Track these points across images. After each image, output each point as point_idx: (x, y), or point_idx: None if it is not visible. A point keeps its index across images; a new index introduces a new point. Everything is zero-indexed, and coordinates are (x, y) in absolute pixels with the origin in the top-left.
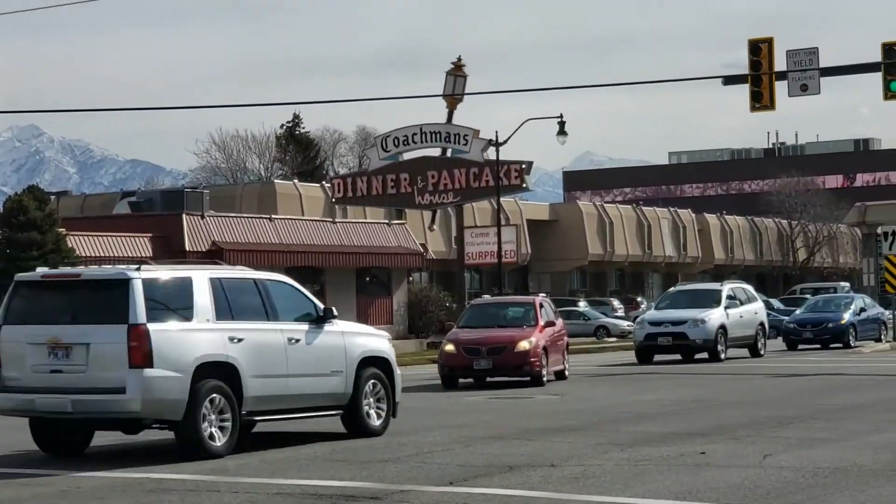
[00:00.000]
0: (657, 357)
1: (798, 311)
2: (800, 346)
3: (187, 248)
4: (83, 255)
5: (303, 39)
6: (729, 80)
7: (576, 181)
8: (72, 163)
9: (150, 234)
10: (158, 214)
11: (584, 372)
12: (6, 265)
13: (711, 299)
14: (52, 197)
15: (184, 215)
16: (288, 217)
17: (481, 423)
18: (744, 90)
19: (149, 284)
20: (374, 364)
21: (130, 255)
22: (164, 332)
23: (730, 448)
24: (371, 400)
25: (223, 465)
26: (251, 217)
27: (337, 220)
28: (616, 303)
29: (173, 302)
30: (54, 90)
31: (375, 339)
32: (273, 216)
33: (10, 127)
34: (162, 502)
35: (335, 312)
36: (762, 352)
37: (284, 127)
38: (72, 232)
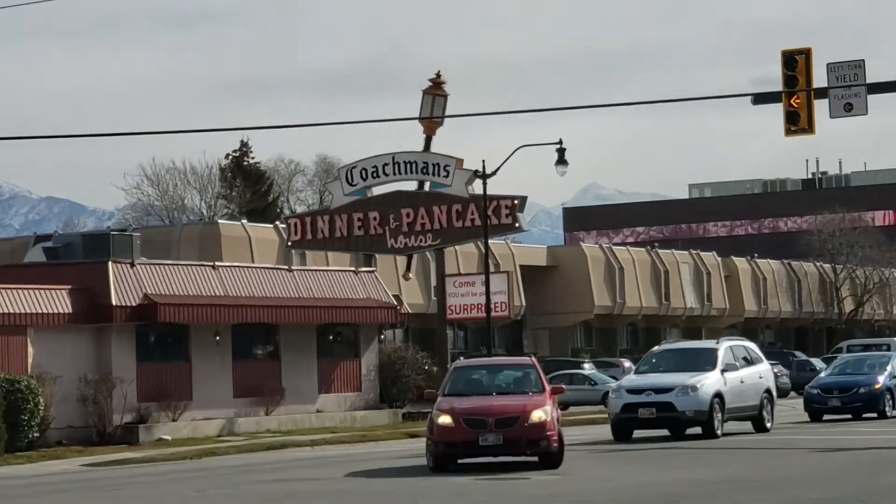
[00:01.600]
0: (639, 433)
1: (822, 374)
2: (825, 417)
3: (114, 303)
4: None
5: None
6: (760, 98)
7: (579, 219)
8: None
9: (69, 287)
10: (79, 262)
11: (590, 447)
12: None
13: (705, 361)
14: None
15: (110, 263)
16: (235, 265)
17: None
18: (777, 110)
19: None
20: None
21: (46, 310)
22: None
23: None
24: None
25: None
26: (191, 265)
27: (294, 267)
28: (627, 364)
29: None
30: None
31: None
32: (217, 263)
33: None
34: None
35: None
36: (769, 425)
37: (230, 157)
38: None
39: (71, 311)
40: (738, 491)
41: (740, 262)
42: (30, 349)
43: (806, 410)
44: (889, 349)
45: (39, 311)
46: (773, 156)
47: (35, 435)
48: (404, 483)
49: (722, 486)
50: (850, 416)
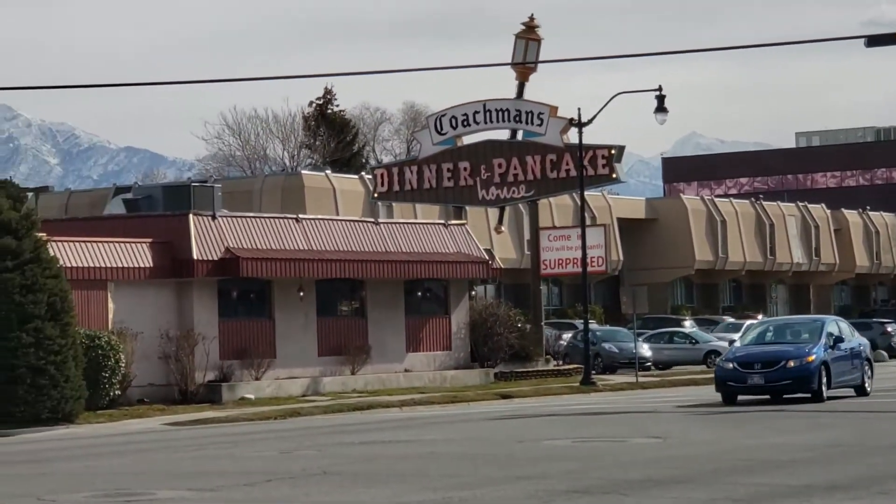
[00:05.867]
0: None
1: (737, 345)
2: (740, 398)
3: (195, 257)
4: (68, 265)
5: None
6: (873, 40)
7: (679, 170)
8: (53, 152)
9: (149, 240)
10: (160, 215)
11: (690, 408)
12: None
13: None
14: (30, 194)
15: (191, 216)
16: (319, 217)
17: (563, 474)
18: (892, 53)
19: None
20: None
21: (126, 264)
22: None
23: None
24: None
25: None
26: (273, 217)
27: (380, 220)
28: (730, 321)
29: None
30: (31, 63)
31: None
32: (300, 216)
33: None
34: None
35: None
36: (869, 390)
37: (314, 105)
38: (54, 237)
39: (152, 266)
40: (845, 456)
41: (851, 215)
42: (110, 304)
43: (718, 390)
44: None
45: (120, 266)
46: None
47: (116, 393)
48: (499, 445)
49: (823, 450)
50: (768, 395)
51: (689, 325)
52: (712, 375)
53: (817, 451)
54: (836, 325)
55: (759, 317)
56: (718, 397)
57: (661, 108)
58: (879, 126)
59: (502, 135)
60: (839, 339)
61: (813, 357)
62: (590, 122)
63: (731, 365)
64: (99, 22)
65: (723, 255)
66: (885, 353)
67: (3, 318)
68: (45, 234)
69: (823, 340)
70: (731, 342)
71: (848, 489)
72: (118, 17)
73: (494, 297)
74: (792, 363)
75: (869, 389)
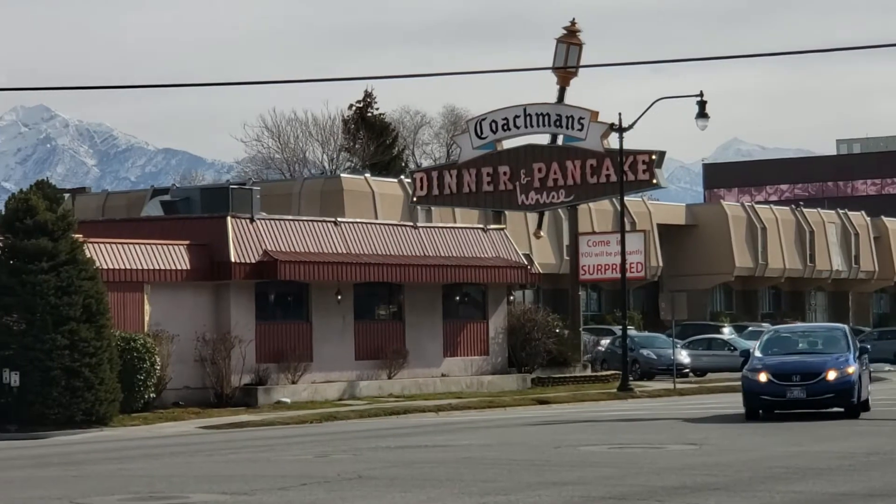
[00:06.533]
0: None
1: (757, 354)
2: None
3: (232, 260)
4: (105, 266)
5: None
6: None
7: (720, 176)
8: (91, 153)
9: (187, 242)
10: (198, 217)
11: (727, 415)
12: (9, 278)
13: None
14: (67, 195)
15: (229, 218)
16: (358, 221)
17: (599, 480)
18: None
19: None
20: None
21: (163, 267)
22: None
23: None
24: None
25: None
26: (312, 220)
27: (419, 224)
28: (769, 327)
29: None
30: (69, 63)
31: None
32: (339, 219)
33: (13, 108)
34: None
35: None
36: (870, 404)
37: (354, 108)
38: (90, 239)
39: (189, 268)
40: (884, 464)
41: (891, 223)
42: (147, 307)
43: (746, 404)
44: None
45: (157, 268)
46: None
47: (151, 395)
48: (535, 450)
49: (862, 458)
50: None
51: (728, 332)
52: None
53: (856, 459)
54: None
55: (798, 324)
56: None
57: (702, 114)
58: None
59: (542, 139)
60: (864, 350)
61: (853, 369)
62: (630, 127)
63: (763, 377)
64: (138, 22)
65: (762, 262)
66: None
67: (39, 320)
68: (81, 236)
69: (854, 350)
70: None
71: (888, 496)
72: (158, 18)
73: (533, 303)
74: (832, 374)
75: (870, 402)
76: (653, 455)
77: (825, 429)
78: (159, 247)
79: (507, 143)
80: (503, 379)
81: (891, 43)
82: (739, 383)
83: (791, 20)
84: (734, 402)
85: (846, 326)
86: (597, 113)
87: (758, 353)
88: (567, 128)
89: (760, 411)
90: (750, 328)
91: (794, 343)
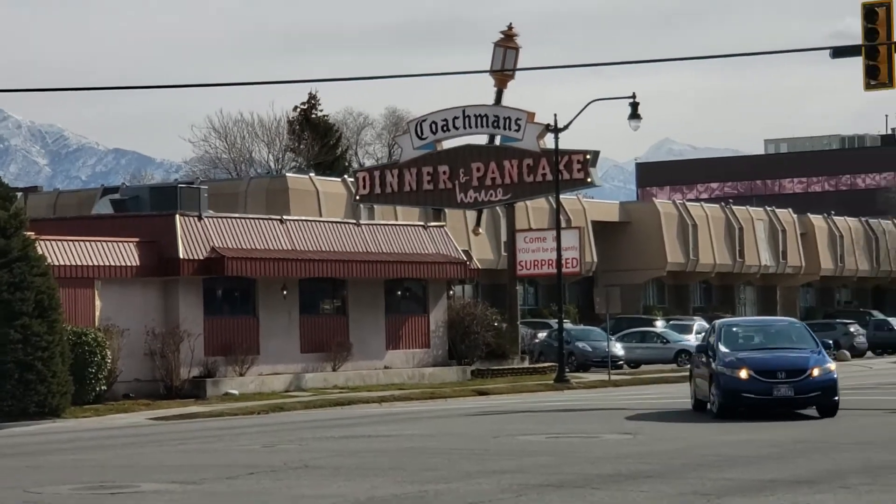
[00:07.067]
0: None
1: (723, 349)
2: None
3: (181, 256)
4: (56, 263)
5: (319, 6)
6: (839, 51)
7: (652, 175)
8: (42, 153)
9: (136, 239)
10: (147, 215)
11: (661, 405)
12: None
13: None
14: (19, 194)
15: (177, 216)
16: (302, 218)
17: (537, 468)
18: (857, 64)
19: None
20: None
21: (113, 263)
22: None
23: (840, 499)
24: None
25: None
26: (258, 218)
27: (362, 221)
28: (700, 321)
29: None
30: (19, 64)
31: None
32: (285, 217)
33: None
34: None
35: None
36: None
37: (298, 109)
38: (42, 236)
39: (138, 264)
40: (810, 452)
41: (816, 220)
42: (97, 302)
43: (722, 400)
44: None
45: (107, 264)
46: (852, 111)
47: (102, 388)
48: (475, 440)
49: (789, 446)
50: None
51: (660, 325)
52: (683, 374)
53: (784, 447)
54: None
55: (728, 318)
56: (688, 393)
57: (634, 115)
58: (844, 134)
59: (481, 140)
60: (827, 345)
61: (833, 365)
62: (565, 127)
63: (744, 373)
64: (88, 25)
65: (693, 258)
66: (848, 352)
67: None
68: (33, 233)
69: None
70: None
71: (812, 483)
72: (106, 21)
73: (472, 297)
74: (817, 371)
75: None
76: (589, 444)
77: (755, 419)
78: (109, 244)
79: (447, 144)
80: (444, 371)
81: (815, 47)
82: (671, 374)
83: (724, 25)
84: (668, 393)
85: (798, 321)
86: (533, 114)
87: (723, 348)
88: (504, 128)
89: (741, 409)
90: (671, 321)
91: (760, 338)
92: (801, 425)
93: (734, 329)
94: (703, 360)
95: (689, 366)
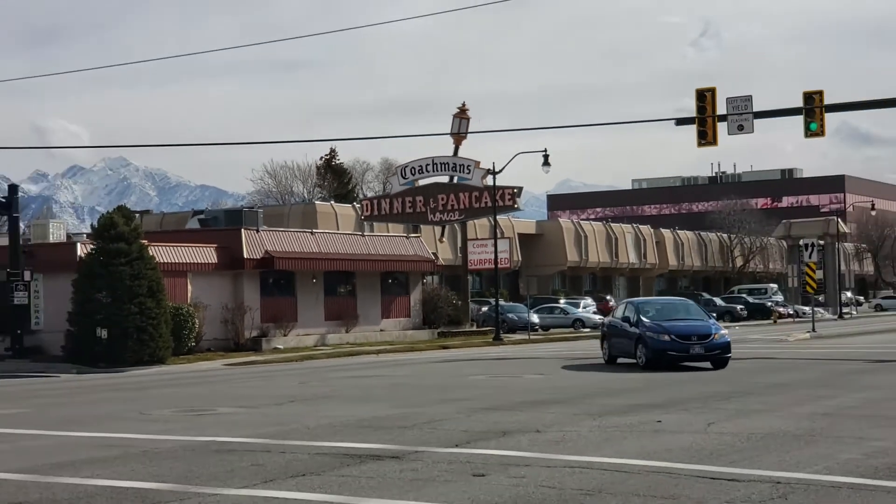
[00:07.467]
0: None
1: (645, 320)
2: (680, 363)
3: (245, 256)
4: (161, 261)
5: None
6: (680, 121)
7: (557, 202)
8: (153, 187)
9: (215, 245)
10: (222, 229)
11: (563, 356)
12: (100, 269)
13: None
14: (137, 215)
15: (242, 230)
16: (326, 231)
17: (481, 397)
18: (692, 130)
19: None
20: None
21: (200, 261)
22: None
23: (681, 417)
24: None
25: (277, 431)
26: (296, 231)
27: (365, 233)
28: (589, 300)
29: None
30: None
31: None
32: (314, 230)
33: (103, 159)
34: (223, 461)
35: None
36: None
37: (323, 159)
38: (152, 243)
39: (216, 262)
40: (663, 386)
41: (666, 233)
42: (189, 287)
43: (651, 357)
44: (766, 293)
45: (195, 261)
46: (690, 160)
47: (192, 344)
48: (440, 379)
49: (650, 383)
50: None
51: (562, 303)
52: (578, 335)
53: (650, 382)
54: None
55: (609, 297)
56: (585, 348)
57: (546, 163)
58: (685, 175)
59: (444, 179)
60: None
61: (727, 332)
62: (500, 171)
63: (667, 337)
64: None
65: (584, 258)
66: None
67: (119, 296)
68: (146, 241)
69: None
70: (596, 314)
71: (663, 406)
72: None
73: (438, 284)
74: (718, 336)
75: None
76: (515, 382)
77: (633, 369)
78: (197, 248)
79: (422, 182)
80: (419, 332)
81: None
82: (570, 335)
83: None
84: (568, 347)
85: (690, 300)
86: (479, 162)
87: (645, 319)
88: (460, 172)
89: (664, 363)
90: (569, 300)
91: (669, 312)
92: (682, 374)
93: (649, 305)
94: (627, 327)
95: (584, 329)
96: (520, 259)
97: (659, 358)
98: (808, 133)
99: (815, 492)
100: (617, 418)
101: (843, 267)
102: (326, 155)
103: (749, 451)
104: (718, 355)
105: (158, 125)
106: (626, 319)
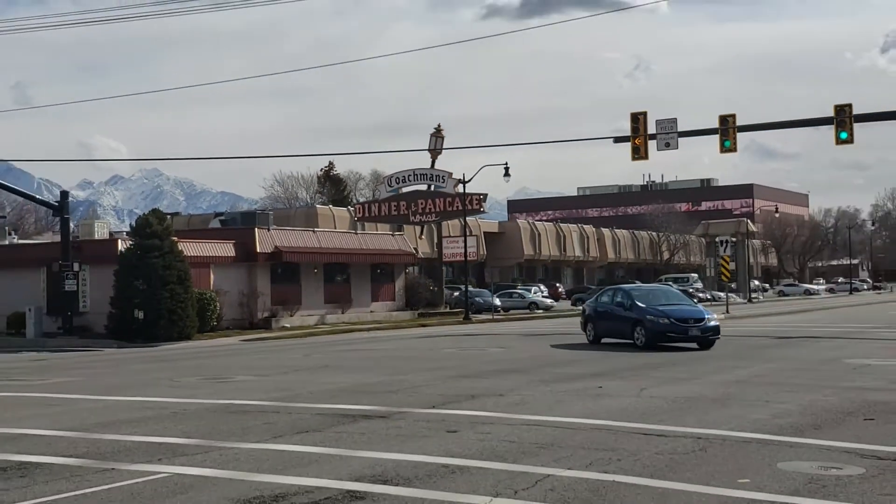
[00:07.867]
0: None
1: (640, 304)
2: (678, 344)
3: (258, 251)
4: (189, 254)
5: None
6: (618, 139)
7: (516, 206)
8: (181, 193)
9: (233, 241)
10: (239, 228)
11: (521, 333)
12: (137, 261)
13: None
14: (168, 216)
15: (256, 229)
16: (325, 230)
17: (453, 367)
18: (627, 146)
19: None
20: None
21: (221, 254)
22: None
23: (618, 384)
24: None
25: (285, 395)
26: (301, 230)
27: (358, 232)
28: (542, 287)
29: None
30: (170, 144)
31: None
32: (315, 229)
33: (140, 169)
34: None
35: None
36: None
37: (323, 170)
38: (181, 240)
39: (234, 255)
40: (600, 359)
41: (606, 231)
42: (212, 276)
43: (652, 339)
44: (688, 281)
45: (217, 255)
46: (625, 171)
47: (214, 324)
48: (420, 351)
49: (592, 354)
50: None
51: (520, 289)
52: (533, 315)
53: (601, 353)
54: None
55: (559, 285)
56: (543, 326)
57: (507, 174)
58: (621, 184)
59: (423, 187)
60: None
61: (715, 315)
62: (469, 181)
63: (666, 320)
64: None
65: (538, 252)
66: None
67: (153, 284)
68: (176, 238)
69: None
70: (544, 297)
71: (603, 375)
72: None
73: (418, 273)
74: (710, 320)
75: None
76: (481, 354)
77: (578, 339)
78: (218, 244)
79: (405, 189)
80: (402, 314)
81: (605, 136)
82: (527, 315)
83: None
84: (527, 326)
85: (674, 287)
86: (451, 173)
87: (641, 304)
88: (436, 181)
89: (662, 343)
90: (525, 287)
91: (659, 297)
92: (605, 345)
93: (639, 291)
94: (621, 311)
95: (538, 311)
96: (485, 253)
97: (659, 339)
98: (723, 149)
99: (730, 445)
100: (566, 384)
101: (751, 260)
102: (326, 167)
103: (675, 412)
104: (709, 337)
105: (187, 141)
106: (619, 304)
